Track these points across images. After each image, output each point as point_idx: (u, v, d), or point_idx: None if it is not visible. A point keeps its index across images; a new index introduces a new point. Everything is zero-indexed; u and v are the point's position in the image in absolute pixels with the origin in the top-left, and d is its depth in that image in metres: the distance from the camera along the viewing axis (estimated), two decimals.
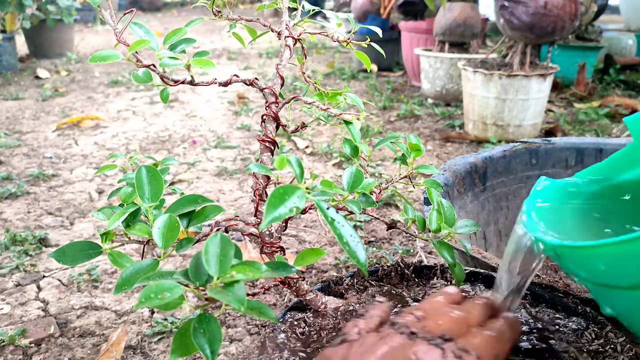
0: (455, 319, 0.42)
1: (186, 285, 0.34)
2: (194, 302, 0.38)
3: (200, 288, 0.34)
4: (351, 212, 0.48)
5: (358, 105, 0.55)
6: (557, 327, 0.53)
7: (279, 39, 0.58)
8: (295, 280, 0.53)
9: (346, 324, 0.46)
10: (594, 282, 0.39)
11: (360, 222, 1.41)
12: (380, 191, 0.56)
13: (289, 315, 0.55)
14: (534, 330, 0.52)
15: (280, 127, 0.55)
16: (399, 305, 0.55)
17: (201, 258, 0.34)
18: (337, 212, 0.39)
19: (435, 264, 0.63)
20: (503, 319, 0.44)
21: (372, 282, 0.61)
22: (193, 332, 0.33)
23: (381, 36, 0.65)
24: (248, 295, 0.49)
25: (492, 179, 1.05)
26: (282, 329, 0.52)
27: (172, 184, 1.73)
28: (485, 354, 0.38)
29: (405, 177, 0.58)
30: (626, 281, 0.34)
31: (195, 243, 0.46)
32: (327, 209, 0.38)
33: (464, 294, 0.53)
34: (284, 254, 0.52)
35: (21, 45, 4.21)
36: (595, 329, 0.52)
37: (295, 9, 0.61)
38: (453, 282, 0.60)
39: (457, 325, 0.41)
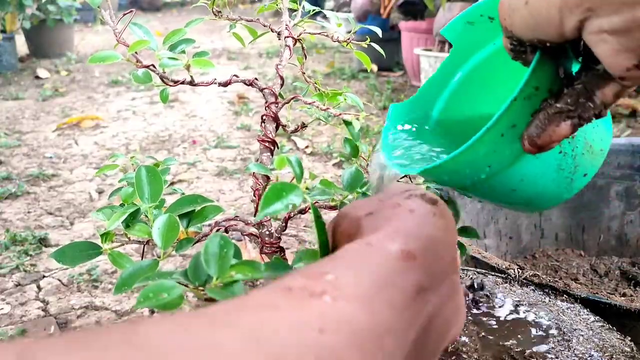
0: None
1: (185, 285, 0.34)
2: (194, 302, 0.38)
3: (200, 288, 0.34)
4: None
5: (358, 105, 0.55)
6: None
7: (279, 39, 0.58)
8: None
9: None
10: (450, 186, 0.48)
11: None
12: None
13: None
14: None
15: (280, 127, 0.55)
16: None
17: (200, 258, 0.34)
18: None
19: None
20: None
21: None
22: None
23: (381, 36, 0.64)
24: None
25: None
26: None
27: (172, 184, 1.73)
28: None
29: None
30: (468, 180, 0.44)
31: (195, 243, 0.46)
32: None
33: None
34: (284, 254, 0.52)
35: (21, 45, 4.20)
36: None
37: (295, 10, 0.61)
38: None
39: None
